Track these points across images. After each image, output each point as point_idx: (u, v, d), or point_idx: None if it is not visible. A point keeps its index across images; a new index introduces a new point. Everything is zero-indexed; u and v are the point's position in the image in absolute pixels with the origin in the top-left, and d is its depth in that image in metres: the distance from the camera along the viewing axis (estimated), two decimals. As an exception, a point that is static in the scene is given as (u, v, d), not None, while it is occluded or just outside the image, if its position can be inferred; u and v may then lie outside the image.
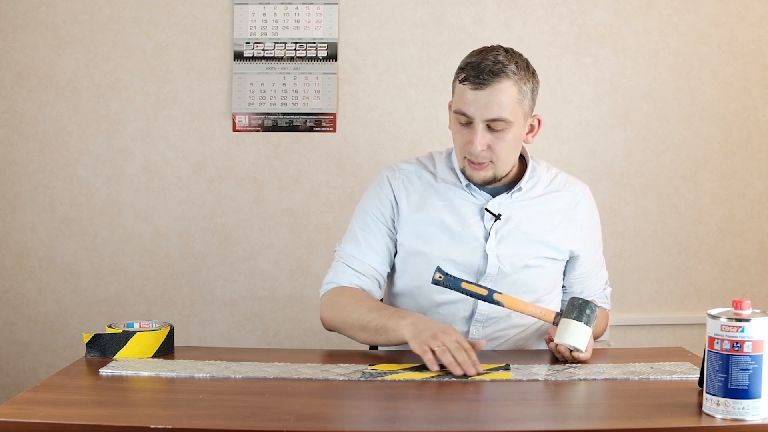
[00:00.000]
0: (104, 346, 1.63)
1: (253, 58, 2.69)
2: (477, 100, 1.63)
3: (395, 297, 1.85)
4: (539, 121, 1.75)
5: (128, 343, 1.63)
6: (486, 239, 1.73)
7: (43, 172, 2.72)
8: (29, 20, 2.69)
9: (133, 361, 1.60)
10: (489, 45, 1.71)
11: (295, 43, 2.69)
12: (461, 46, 2.70)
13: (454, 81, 1.70)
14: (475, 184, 1.75)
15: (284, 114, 2.69)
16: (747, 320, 1.18)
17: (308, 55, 2.69)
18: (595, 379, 1.45)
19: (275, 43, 2.69)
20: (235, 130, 2.70)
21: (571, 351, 1.57)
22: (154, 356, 1.64)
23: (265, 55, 2.69)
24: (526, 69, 1.68)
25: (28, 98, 2.70)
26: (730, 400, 1.19)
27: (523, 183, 1.76)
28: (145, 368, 1.54)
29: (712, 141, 2.73)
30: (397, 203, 1.78)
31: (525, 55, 1.72)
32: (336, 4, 2.69)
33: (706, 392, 1.22)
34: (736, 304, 1.21)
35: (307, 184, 2.71)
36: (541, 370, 1.51)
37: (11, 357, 2.74)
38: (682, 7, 2.70)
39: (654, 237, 2.74)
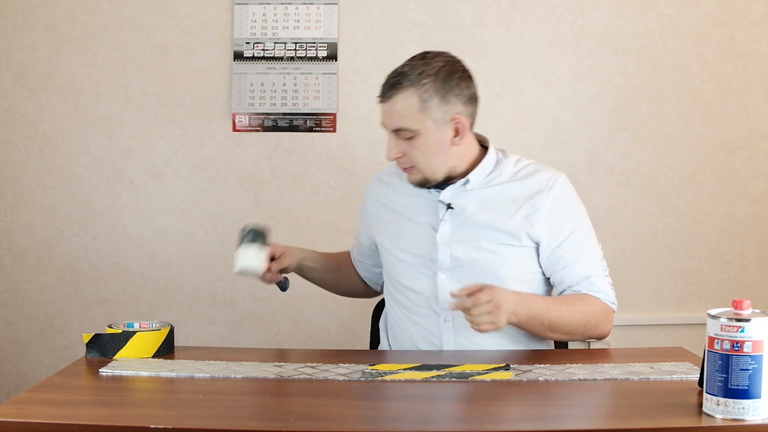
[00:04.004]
0: (104, 346, 1.63)
1: (253, 58, 2.69)
2: (383, 112, 1.76)
3: (388, 286, 1.95)
4: (461, 122, 1.76)
5: (128, 343, 1.63)
6: (437, 229, 1.81)
7: (43, 172, 2.72)
8: (29, 20, 2.69)
9: (133, 361, 1.60)
10: (421, 52, 1.80)
11: (295, 43, 2.69)
12: (461, 46, 2.70)
13: None
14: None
15: (284, 114, 2.69)
16: (747, 320, 1.18)
17: (308, 55, 2.69)
18: (595, 379, 1.45)
19: (275, 43, 2.69)
20: (235, 130, 2.70)
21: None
22: (154, 356, 1.65)
23: (265, 55, 2.69)
24: (435, 75, 1.73)
25: (28, 98, 2.70)
26: (730, 400, 1.19)
27: (472, 175, 1.81)
28: (145, 368, 1.54)
29: (712, 141, 2.73)
30: (370, 207, 1.97)
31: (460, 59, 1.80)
32: (336, 4, 2.69)
33: (706, 392, 1.22)
34: (736, 304, 1.21)
35: (307, 184, 2.71)
36: (541, 370, 1.51)
37: (11, 357, 2.74)
38: (682, 7, 2.70)
39: (654, 237, 2.74)
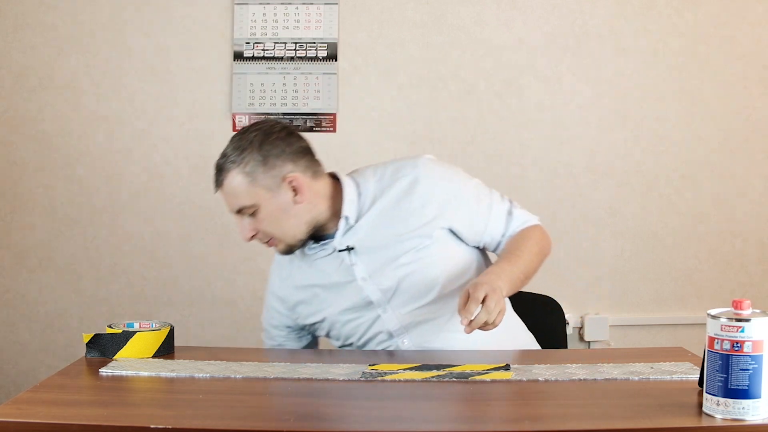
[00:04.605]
0: (104, 346, 1.63)
1: (253, 58, 2.69)
2: (223, 198, 1.77)
3: (338, 342, 1.89)
4: (295, 178, 1.74)
5: (128, 343, 1.63)
6: (353, 275, 1.76)
7: (43, 172, 2.72)
8: (29, 20, 2.69)
9: (133, 361, 1.60)
10: (234, 135, 1.77)
11: (295, 43, 2.69)
12: (461, 46, 2.70)
13: None
14: (313, 239, 1.80)
15: (284, 114, 2.69)
16: (747, 320, 1.18)
17: (308, 55, 2.69)
18: (595, 379, 1.45)
19: (275, 43, 2.69)
20: (235, 130, 2.70)
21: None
22: (154, 356, 1.64)
23: (265, 55, 2.69)
24: (251, 146, 1.71)
25: (28, 98, 2.70)
26: (730, 400, 1.19)
27: (347, 211, 1.77)
28: (145, 368, 1.54)
29: (712, 141, 2.73)
30: (284, 304, 1.87)
31: (275, 125, 1.76)
32: (336, 4, 2.69)
33: (706, 392, 1.22)
34: (736, 304, 1.21)
35: (307, 184, 2.71)
36: (541, 370, 1.51)
37: (11, 357, 2.74)
38: (682, 7, 2.70)
39: (654, 237, 2.74)
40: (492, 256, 1.87)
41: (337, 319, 1.80)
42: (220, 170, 1.74)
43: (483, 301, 1.56)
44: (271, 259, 2.71)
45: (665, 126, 2.72)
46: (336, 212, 1.77)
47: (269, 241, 1.77)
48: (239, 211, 1.73)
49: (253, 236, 1.75)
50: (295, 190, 1.74)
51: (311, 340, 1.93)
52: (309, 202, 1.76)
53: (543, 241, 1.82)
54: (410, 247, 1.75)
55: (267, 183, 1.72)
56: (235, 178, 1.72)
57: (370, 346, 1.80)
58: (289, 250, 1.78)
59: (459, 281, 1.77)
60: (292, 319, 1.87)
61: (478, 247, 1.84)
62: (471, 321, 1.55)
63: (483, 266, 1.83)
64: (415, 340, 1.77)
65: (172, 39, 2.70)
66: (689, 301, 2.75)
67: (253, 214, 1.73)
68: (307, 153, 1.77)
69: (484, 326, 1.57)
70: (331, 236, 1.78)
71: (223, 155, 1.75)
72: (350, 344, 1.83)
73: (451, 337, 1.75)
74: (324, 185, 1.79)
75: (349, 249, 1.77)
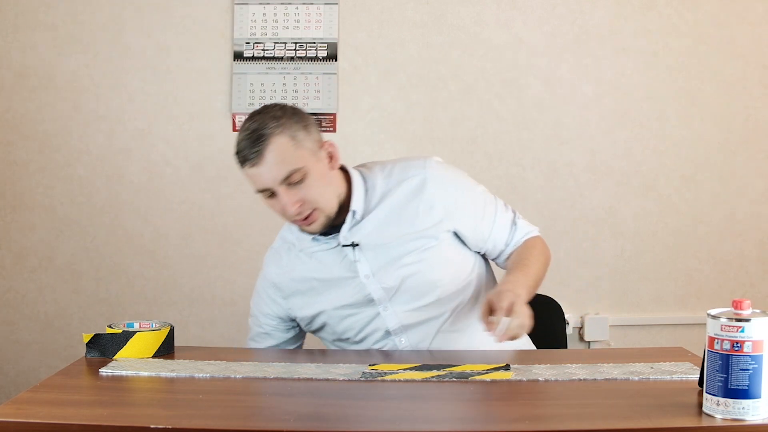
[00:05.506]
0: (104, 346, 1.63)
1: (253, 58, 2.69)
2: (262, 171, 1.66)
3: (331, 345, 1.89)
4: (332, 145, 1.76)
5: (128, 343, 1.63)
6: (356, 271, 1.76)
7: (43, 172, 2.72)
8: (29, 20, 2.69)
9: (133, 361, 1.60)
10: (248, 116, 1.72)
11: (295, 43, 2.69)
12: (461, 46, 2.70)
13: (240, 169, 1.71)
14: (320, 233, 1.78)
15: (284, 114, 2.69)
16: (747, 320, 1.18)
17: (308, 55, 2.69)
18: (595, 379, 1.45)
19: (275, 43, 2.69)
20: (235, 130, 2.70)
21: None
22: (154, 356, 1.64)
23: (265, 55, 2.69)
24: (284, 116, 1.69)
25: (28, 98, 2.70)
26: (730, 400, 1.19)
27: (355, 204, 1.76)
28: (145, 368, 1.54)
29: (712, 141, 2.73)
30: (279, 292, 1.86)
31: (298, 110, 1.74)
32: (336, 4, 2.69)
33: (706, 392, 1.22)
34: (736, 304, 1.21)
35: (307, 184, 2.71)
36: (541, 370, 1.51)
37: (11, 357, 2.75)
38: (682, 7, 2.70)
39: (654, 237, 2.74)
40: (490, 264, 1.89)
41: (335, 314, 1.79)
42: (261, 138, 1.65)
43: (516, 313, 1.56)
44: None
45: (665, 126, 2.72)
46: (343, 205, 1.76)
47: (310, 215, 1.71)
48: (287, 179, 1.66)
49: (298, 208, 1.68)
50: (330, 157, 1.75)
51: (298, 332, 1.91)
52: (337, 174, 1.77)
53: (546, 251, 1.85)
54: (415, 248, 1.75)
55: (310, 146, 1.70)
56: (281, 142, 1.65)
57: (366, 343, 1.80)
58: (324, 226, 1.73)
59: (459, 284, 1.78)
60: (284, 309, 1.86)
61: (479, 253, 1.85)
62: (495, 329, 1.55)
63: (483, 271, 1.85)
64: (413, 339, 1.77)
65: (172, 39, 2.70)
66: (689, 301, 2.75)
67: (300, 181, 1.67)
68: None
69: (516, 333, 1.57)
70: (336, 230, 1.77)
71: (254, 130, 1.66)
72: (346, 339, 1.82)
73: (449, 337, 1.77)
74: (337, 172, 1.79)
75: (354, 245, 1.76)
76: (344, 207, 1.76)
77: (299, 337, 1.94)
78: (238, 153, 1.68)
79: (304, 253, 1.82)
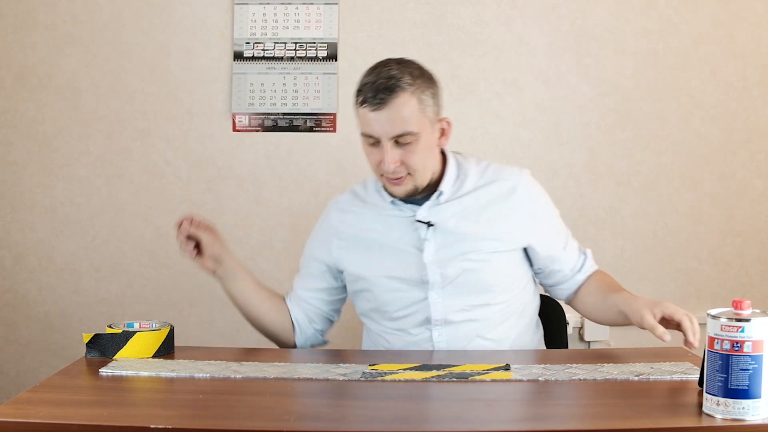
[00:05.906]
0: (104, 346, 1.63)
1: (253, 58, 2.69)
2: (379, 119, 1.64)
3: (362, 317, 1.90)
4: (448, 123, 1.76)
5: (128, 343, 1.63)
6: (422, 250, 1.75)
7: (43, 172, 2.72)
8: (29, 20, 2.69)
9: (133, 361, 1.60)
10: (383, 60, 1.72)
11: (295, 43, 2.69)
12: (461, 46, 2.70)
13: (354, 105, 1.70)
14: (400, 199, 1.77)
15: (284, 114, 2.69)
16: (747, 320, 1.18)
17: (308, 55, 2.69)
18: (595, 379, 1.45)
19: (275, 43, 2.69)
20: (235, 130, 2.70)
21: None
22: (154, 356, 1.65)
23: (265, 55, 2.69)
24: (421, 77, 1.69)
25: (28, 98, 2.70)
26: (730, 400, 1.19)
27: (444, 186, 1.77)
28: (145, 368, 1.54)
29: (712, 141, 2.73)
30: (336, 238, 1.85)
31: (428, 65, 1.73)
32: (336, 4, 2.69)
33: (706, 392, 1.23)
34: (736, 304, 1.21)
35: (307, 184, 2.71)
36: (541, 370, 1.51)
37: (11, 357, 2.74)
38: (682, 7, 2.70)
39: (654, 237, 2.74)
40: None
41: (383, 283, 1.78)
42: (392, 89, 1.63)
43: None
44: (272, 256, 2.71)
45: (665, 126, 2.72)
46: (431, 182, 1.76)
47: (402, 178, 1.70)
48: (399, 137, 1.65)
49: (396, 167, 1.68)
50: (442, 132, 1.74)
51: (343, 285, 1.88)
52: (438, 153, 1.77)
53: (613, 282, 1.92)
54: (483, 247, 1.76)
55: (431, 115, 1.70)
56: (410, 100, 1.64)
57: (402, 323, 1.78)
58: (413, 192, 1.73)
59: (509, 296, 1.80)
60: (335, 259, 1.84)
61: (536, 275, 1.89)
62: (690, 334, 1.63)
63: (531, 297, 1.87)
64: (450, 336, 1.76)
65: (172, 39, 2.70)
66: (689, 301, 2.74)
67: (407, 144, 1.66)
68: None
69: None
70: (413, 202, 1.77)
71: (391, 76, 1.64)
72: (384, 312, 1.80)
73: (484, 345, 1.78)
74: (439, 150, 1.79)
75: (429, 224, 1.75)
76: (432, 185, 1.76)
77: (342, 290, 1.90)
78: (360, 90, 1.67)
79: (375, 212, 1.81)
